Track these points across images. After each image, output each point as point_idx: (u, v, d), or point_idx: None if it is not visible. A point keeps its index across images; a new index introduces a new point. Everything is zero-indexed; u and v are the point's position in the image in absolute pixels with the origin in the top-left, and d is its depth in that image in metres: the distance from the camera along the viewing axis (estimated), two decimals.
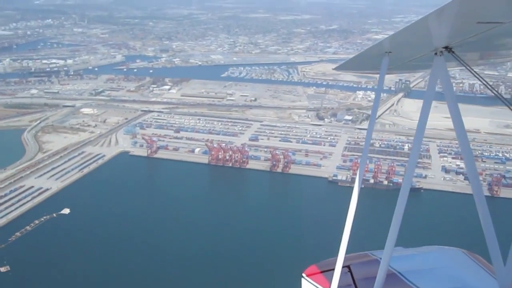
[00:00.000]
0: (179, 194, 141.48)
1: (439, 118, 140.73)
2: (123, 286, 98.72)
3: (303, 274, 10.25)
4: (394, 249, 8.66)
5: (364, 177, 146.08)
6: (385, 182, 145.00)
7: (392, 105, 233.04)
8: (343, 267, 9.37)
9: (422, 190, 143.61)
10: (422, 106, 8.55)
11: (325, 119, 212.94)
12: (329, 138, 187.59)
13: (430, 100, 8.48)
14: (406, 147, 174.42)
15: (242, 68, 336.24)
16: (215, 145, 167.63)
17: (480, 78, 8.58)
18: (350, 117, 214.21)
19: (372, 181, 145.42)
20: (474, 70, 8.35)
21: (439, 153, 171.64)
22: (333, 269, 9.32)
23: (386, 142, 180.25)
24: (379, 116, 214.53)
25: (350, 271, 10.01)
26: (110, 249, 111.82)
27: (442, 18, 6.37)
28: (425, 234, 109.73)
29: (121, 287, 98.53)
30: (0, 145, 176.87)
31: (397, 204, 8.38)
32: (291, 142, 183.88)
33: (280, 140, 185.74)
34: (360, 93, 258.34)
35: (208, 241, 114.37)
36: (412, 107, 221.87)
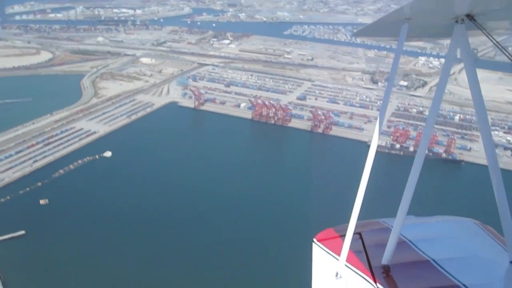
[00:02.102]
0: (218, 146, 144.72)
1: (502, 90, 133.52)
2: (155, 226, 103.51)
3: (314, 239, 10.23)
4: (406, 218, 8.66)
5: (403, 144, 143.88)
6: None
7: (453, 73, 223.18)
8: (354, 233, 9.34)
9: (463, 163, 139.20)
10: (441, 75, 8.61)
11: (379, 83, 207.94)
12: (378, 103, 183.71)
13: (449, 69, 8.60)
14: (457, 117, 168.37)
15: (306, 27, 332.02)
16: (259, 101, 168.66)
17: (502, 49, 8.56)
18: (405, 83, 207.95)
19: (411, 149, 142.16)
20: (496, 40, 8.11)
21: (491, 126, 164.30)
22: (344, 235, 9.32)
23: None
24: (435, 85, 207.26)
25: (361, 237, 9.99)
26: (144, 191, 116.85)
27: None
28: (454, 206, 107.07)
29: (152, 227, 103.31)
30: (60, 89, 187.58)
31: (411, 173, 8.32)
32: (338, 103, 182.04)
33: (327, 101, 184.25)
34: (422, 59, 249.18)
35: (239, 194, 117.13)
36: None
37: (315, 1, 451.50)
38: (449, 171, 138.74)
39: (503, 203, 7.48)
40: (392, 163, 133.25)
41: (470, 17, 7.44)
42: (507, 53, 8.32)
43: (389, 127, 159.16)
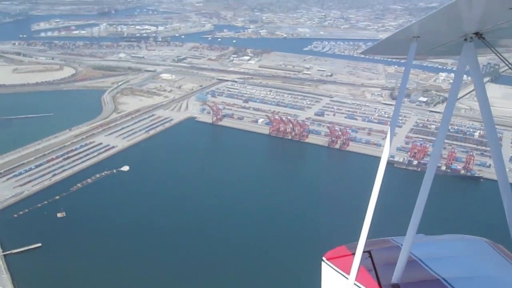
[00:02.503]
0: (235, 161, 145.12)
1: None
2: (170, 240, 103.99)
3: (323, 258, 10.09)
4: (416, 236, 8.55)
5: (421, 160, 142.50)
6: (443, 168, 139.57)
7: (474, 90, 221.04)
8: (363, 252, 9.23)
9: (481, 180, 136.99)
10: (450, 92, 8.54)
11: None
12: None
13: (458, 87, 8.45)
14: (476, 134, 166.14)
15: (326, 43, 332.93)
16: (276, 117, 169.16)
17: (510, 66, 8.38)
18: (425, 99, 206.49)
19: None
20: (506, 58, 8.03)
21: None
22: (354, 254, 9.20)
23: (456, 127, 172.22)
24: (457, 100, 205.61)
25: (370, 256, 9.82)
26: (161, 206, 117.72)
27: (472, 3, 6.24)
28: (471, 223, 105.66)
29: (168, 241, 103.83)
30: (81, 104, 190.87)
31: (421, 190, 8.20)
32: (356, 119, 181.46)
33: (345, 117, 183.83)
34: (443, 75, 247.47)
35: (254, 210, 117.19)
36: (496, 93, 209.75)
37: (336, 18, 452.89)
38: (467, 188, 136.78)
39: None
40: (409, 180, 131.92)
41: (479, 35, 7.43)
42: None
43: (407, 143, 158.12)
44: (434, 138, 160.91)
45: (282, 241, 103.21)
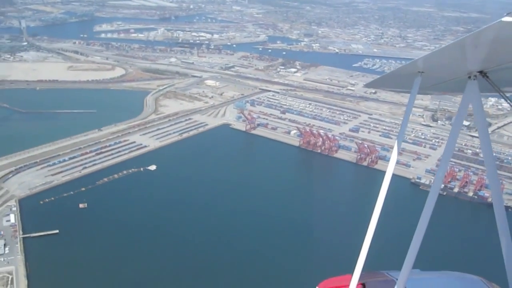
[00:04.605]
0: (261, 169, 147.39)
1: None
2: (186, 240, 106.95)
3: None
4: (411, 271, 8.37)
5: (448, 184, 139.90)
6: (470, 194, 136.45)
7: None
8: (358, 283, 9.24)
9: (510, 210, 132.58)
10: (452, 129, 8.45)
11: (439, 122, 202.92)
12: (433, 141, 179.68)
13: (460, 123, 8.48)
14: None
15: (377, 60, 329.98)
16: (307, 130, 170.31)
17: None
18: (467, 123, 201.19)
19: (456, 190, 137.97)
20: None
21: None
22: (348, 286, 9.20)
23: (494, 154, 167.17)
24: (501, 127, 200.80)
25: None
26: (181, 206, 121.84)
27: (478, 43, 6.26)
28: (494, 254, 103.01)
29: (184, 241, 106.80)
30: (124, 103, 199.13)
31: (418, 225, 8.05)
32: (391, 138, 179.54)
33: (380, 135, 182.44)
34: (492, 100, 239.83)
35: (273, 220, 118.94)
36: None
37: (394, 36, 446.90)
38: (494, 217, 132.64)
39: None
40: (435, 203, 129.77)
41: (483, 73, 7.43)
42: None
43: (437, 166, 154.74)
44: (468, 163, 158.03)
45: (295, 254, 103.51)
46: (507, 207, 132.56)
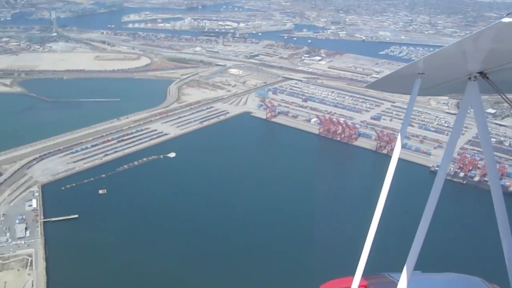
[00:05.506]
0: (279, 157, 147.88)
1: None
2: (202, 227, 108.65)
3: None
4: (412, 273, 8.30)
5: (468, 173, 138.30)
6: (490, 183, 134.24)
7: None
8: (359, 286, 9.27)
9: None
10: (453, 130, 8.51)
11: None
12: None
13: (461, 124, 8.44)
14: None
15: (404, 48, 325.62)
16: (327, 117, 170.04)
17: None
18: (493, 111, 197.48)
19: (476, 178, 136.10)
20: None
21: None
22: (350, 287, 9.27)
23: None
24: None
25: None
26: (200, 193, 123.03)
27: (478, 44, 6.25)
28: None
29: (200, 228, 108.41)
30: (148, 92, 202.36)
31: (419, 227, 7.92)
32: (413, 126, 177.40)
33: (402, 123, 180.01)
34: None
35: (290, 208, 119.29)
36: None
37: (423, 23, 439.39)
38: None
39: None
40: (452, 192, 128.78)
41: (483, 74, 7.48)
42: None
43: (459, 154, 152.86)
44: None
45: (310, 247, 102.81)
46: None
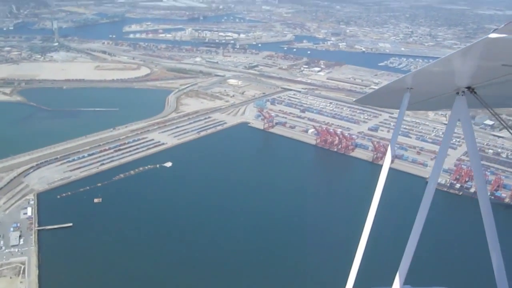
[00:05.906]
0: (276, 168, 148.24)
1: None
2: (197, 236, 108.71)
3: None
4: (402, 287, 8.26)
5: (464, 184, 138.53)
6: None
7: None
8: None
9: None
10: (442, 143, 8.69)
11: None
12: (453, 140, 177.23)
13: (449, 138, 8.63)
14: None
15: (404, 59, 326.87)
16: (324, 128, 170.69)
17: (502, 122, 8.67)
18: (491, 123, 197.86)
19: (472, 190, 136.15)
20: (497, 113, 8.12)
21: None
22: None
23: None
24: None
25: None
26: (195, 203, 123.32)
27: (466, 59, 6.27)
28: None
29: (195, 237, 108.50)
30: (146, 102, 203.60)
31: (409, 240, 7.93)
32: (410, 137, 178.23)
33: (399, 134, 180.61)
34: None
35: (284, 218, 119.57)
36: None
37: (423, 35, 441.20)
38: (509, 217, 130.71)
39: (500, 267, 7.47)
40: (448, 203, 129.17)
41: (471, 89, 7.55)
42: (506, 125, 8.86)
43: (455, 166, 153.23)
44: (488, 164, 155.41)
45: (306, 255, 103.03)
46: None
